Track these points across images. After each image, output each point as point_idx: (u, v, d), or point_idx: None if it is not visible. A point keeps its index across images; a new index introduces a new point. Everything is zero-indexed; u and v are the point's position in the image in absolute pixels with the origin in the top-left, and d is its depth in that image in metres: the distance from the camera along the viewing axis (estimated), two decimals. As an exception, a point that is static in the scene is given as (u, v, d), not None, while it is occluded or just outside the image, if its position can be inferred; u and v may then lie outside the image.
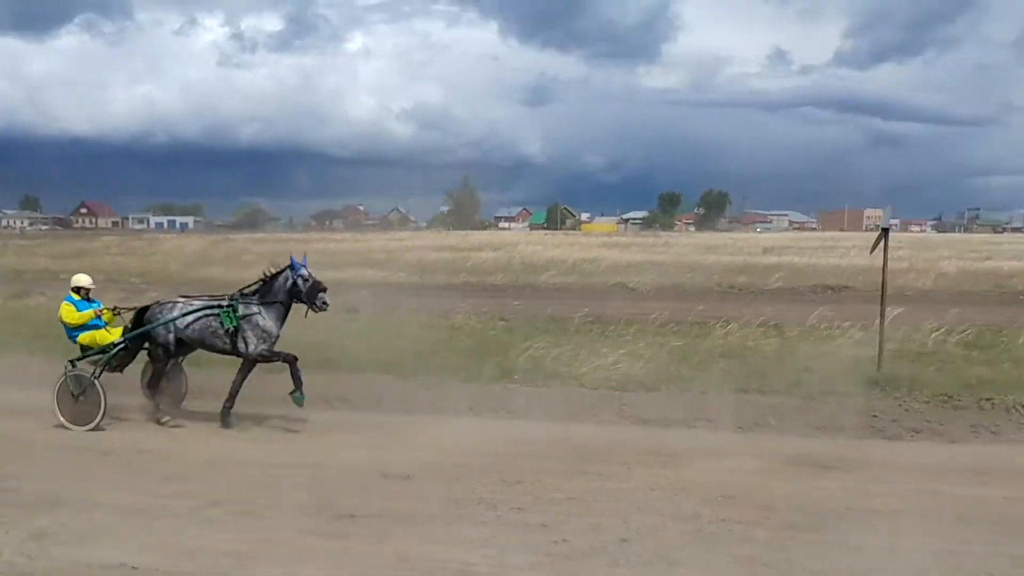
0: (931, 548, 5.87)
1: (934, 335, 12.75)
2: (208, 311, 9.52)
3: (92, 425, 9.18)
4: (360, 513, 6.63)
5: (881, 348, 10.86)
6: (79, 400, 9.26)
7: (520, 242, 51.19)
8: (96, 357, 9.59)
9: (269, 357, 9.39)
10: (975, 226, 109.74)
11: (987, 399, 9.49)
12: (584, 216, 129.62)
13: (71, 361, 9.59)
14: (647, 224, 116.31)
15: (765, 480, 7.49)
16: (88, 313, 9.71)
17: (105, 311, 9.89)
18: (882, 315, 11.04)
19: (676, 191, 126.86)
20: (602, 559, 5.78)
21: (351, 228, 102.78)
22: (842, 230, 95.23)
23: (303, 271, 9.40)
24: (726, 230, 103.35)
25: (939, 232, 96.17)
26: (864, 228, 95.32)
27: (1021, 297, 20.52)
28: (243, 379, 9.36)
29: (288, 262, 9.47)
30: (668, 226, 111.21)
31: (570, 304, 16.60)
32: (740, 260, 33.27)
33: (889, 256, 11.59)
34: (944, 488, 7.26)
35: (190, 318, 9.53)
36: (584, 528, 6.31)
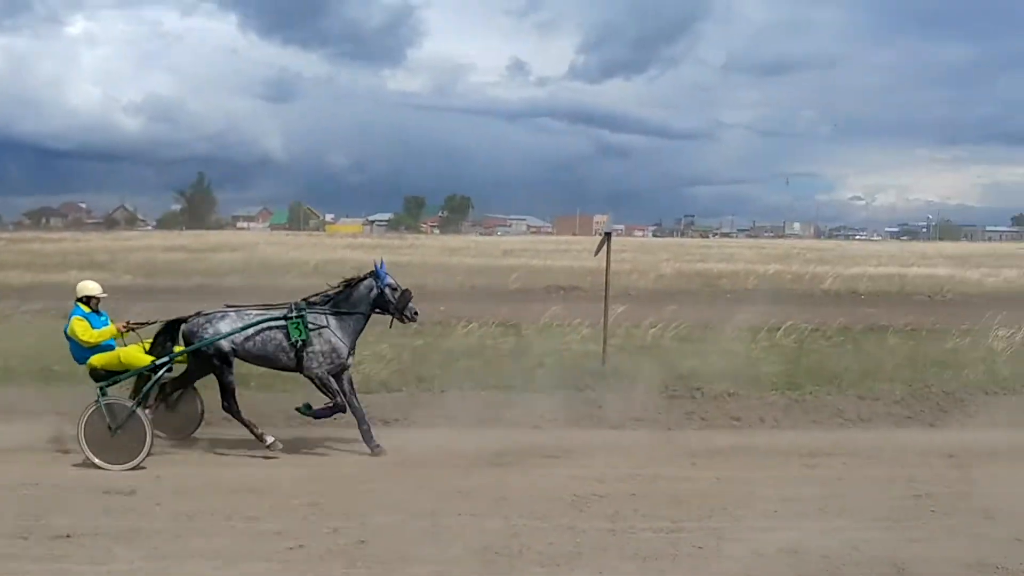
0: (648, 527, 6.42)
1: (652, 330, 14.01)
2: (272, 323, 8.40)
3: (133, 464, 7.76)
4: (77, 532, 6.07)
5: (605, 343, 11.74)
6: (116, 434, 7.78)
7: (260, 242, 49.26)
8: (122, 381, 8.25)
9: (327, 385, 8.36)
10: (690, 231, 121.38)
11: (698, 388, 10.56)
12: (328, 217, 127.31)
13: (101, 388, 8.07)
14: (392, 226, 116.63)
15: (500, 473, 7.81)
16: (108, 330, 8.22)
17: (113, 326, 8.31)
18: (606, 313, 11.96)
19: (421, 195, 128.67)
20: (339, 561, 5.73)
21: (71, 227, 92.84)
22: (575, 234, 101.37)
23: (390, 279, 8.57)
24: (469, 233, 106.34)
25: (658, 237, 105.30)
26: (594, 232, 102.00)
27: (728, 295, 23.07)
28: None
29: (366, 271, 8.68)
30: (413, 228, 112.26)
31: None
32: (482, 262, 34.40)
33: (613, 258, 12.55)
34: (662, 471, 7.96)
35: (251, 331, 8.36)
36: (322, 532, 6.21)
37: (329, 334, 8.41)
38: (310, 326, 8.35)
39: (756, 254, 45.14)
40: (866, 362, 12.06)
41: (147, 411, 7.98)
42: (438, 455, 8.38)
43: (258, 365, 8.82)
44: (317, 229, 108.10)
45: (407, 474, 7.77)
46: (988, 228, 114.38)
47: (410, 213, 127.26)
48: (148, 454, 7.84)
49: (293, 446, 8.52)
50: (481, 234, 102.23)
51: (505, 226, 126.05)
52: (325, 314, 8.49)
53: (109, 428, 7.80)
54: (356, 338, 8.67)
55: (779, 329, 14.18)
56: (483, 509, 6.76)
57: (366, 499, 7.01)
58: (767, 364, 11.92)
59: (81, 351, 8.20)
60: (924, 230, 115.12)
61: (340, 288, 8.66)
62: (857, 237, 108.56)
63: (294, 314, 8.40)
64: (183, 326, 8.45)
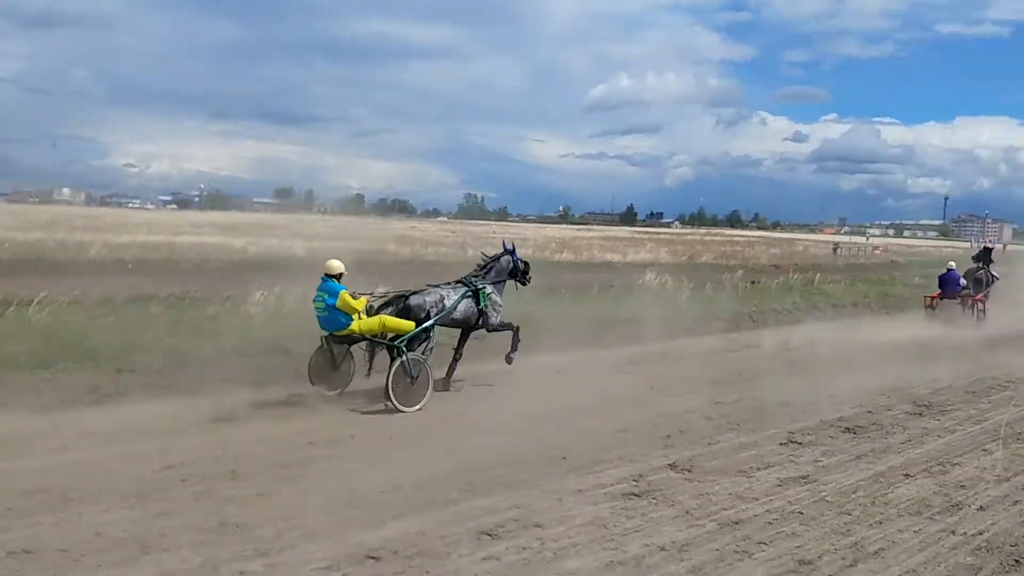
0: None
1: None
2: (467, 295, 10.99)
3: (419, 406, 9.71)
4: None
5: None
6: (412, 383, 9.60)
7: None
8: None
9: (507, 325, 11.36)
10: None
11: None
12: None
13: (398, 348, 9.89)
14: None
15: None
16: (363, 300, 10.14)
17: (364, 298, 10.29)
18: None
19: None
20: None
21: None
22: None
23: (518, 255, 11.88)
24: None
25: None
26: None
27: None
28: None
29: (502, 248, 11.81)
30: None
31: None
32: None
33: None
34: None
35: (461, 303, 10.88)
36: None
37: (495, 296, 11.33)
38: (488, 293, 11.20)
39: (19, 220, 40.38)
40: (127, 334, 11.74)
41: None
42: None
43: (454, 327, 11.22)
44: None
45: None
46: (255, 199, 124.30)
47: None
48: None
49: None
50: None
51: None
52: (491, 283, 11.35)
53: (410, 378, 9.71)
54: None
55: (32, 303, 12.85)
56: None
57: None
58: (14, 343, 10.68)
59: (346, 319, 9.88)
60: (196, 199, 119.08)
61: (489, 263, 11.59)
62: (130, 205, 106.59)
63: (478, 286, 11.12)
64: (412, 299, 10.49)
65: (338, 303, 9.79)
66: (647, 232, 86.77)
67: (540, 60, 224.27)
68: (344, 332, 9.97)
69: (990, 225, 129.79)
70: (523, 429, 8.87)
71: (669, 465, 7.82)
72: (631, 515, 6.52)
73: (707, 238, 75.46)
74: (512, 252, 11.74)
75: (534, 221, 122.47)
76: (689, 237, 79.44)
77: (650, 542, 6.00)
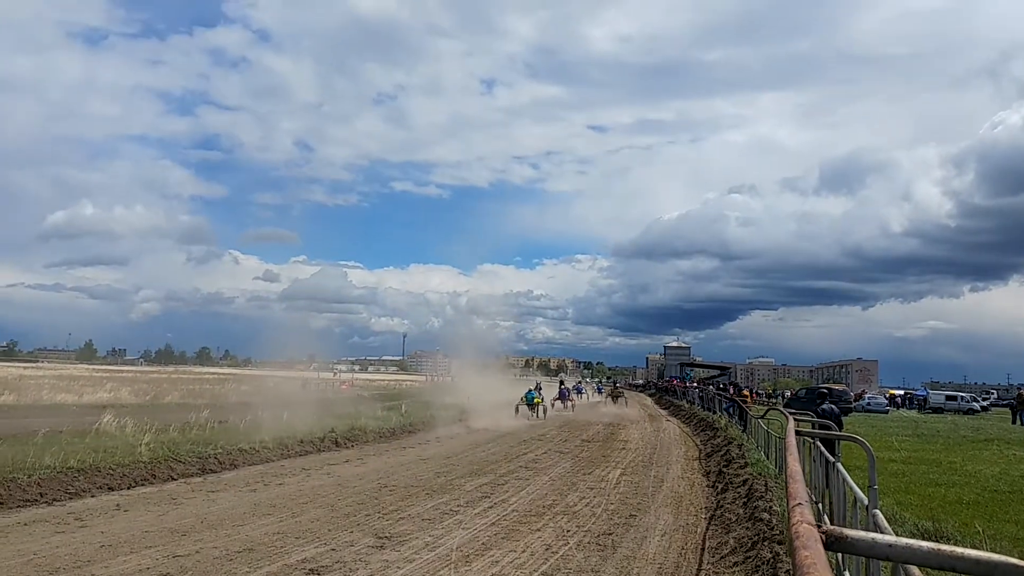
0: None
1: None
2: None
3: None
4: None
5: None
6: None
7: None
8: None
9: None
10: None
11: None
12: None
13: None
14: None
15: None
16: None
17: None
18: None
19: None
20: None
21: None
22: None
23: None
24: None
25: None
26: None
27: None
28: None
29: None
30: None
31: None
32: None
33: None
34: None
35: None
36: None
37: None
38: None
39: None
40: None
41: None
42: None
43: None
44: None
45: None
46: None
47: None
48: None
49: None
50: None
51: None
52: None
53: None
54: None
55: None
56: None
57: None
58: None
59: None
60: None
61: None
62: None
63: None
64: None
65: None
66: (108, 370, 79.39)
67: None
68: None
69: (440, 360, 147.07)
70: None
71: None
72: None
73: (175, 376, 71.74)
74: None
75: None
76: (155, 375, 74.78)
77: None
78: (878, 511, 4.96)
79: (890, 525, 11.61)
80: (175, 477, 15.70)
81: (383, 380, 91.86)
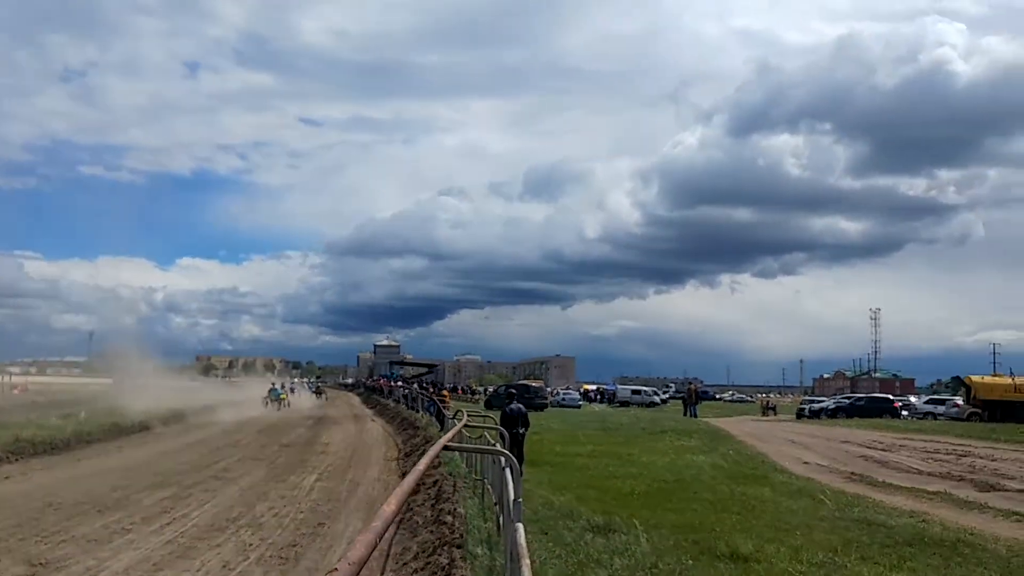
0: None
1: None
2: None
3: None
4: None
5: None
6: None
7: None
8: None
9: None
10: None
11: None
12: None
13: None
14: None
15: None
16: None
17: None
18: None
19: None
20: None
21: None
22: None
23: None
24: None
25: None
26: None
27: None
28: None
29: None
30: None
31: None
32: None
33: None
34: None
35: None
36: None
37: None
38: None
39: None
40: None
41: None
42: None
43: None
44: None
45: None
46: None
47: None
48: None
49: None
50: None
51: None
52: None
53: None
54: None
55: None
56: None
57: None
58: None
59: None
60: None
61: None
62: None
63: None
64: None
65: None
66: None
67: None
68: None
69: (134, 360, 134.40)
70: None
71: None
72: None
73: None
74: None
75: None
76: None
77: None
78: (520, 524, 5.30)
79: (566, 520, 12.52)
80: None
81: (65, 383, 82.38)
